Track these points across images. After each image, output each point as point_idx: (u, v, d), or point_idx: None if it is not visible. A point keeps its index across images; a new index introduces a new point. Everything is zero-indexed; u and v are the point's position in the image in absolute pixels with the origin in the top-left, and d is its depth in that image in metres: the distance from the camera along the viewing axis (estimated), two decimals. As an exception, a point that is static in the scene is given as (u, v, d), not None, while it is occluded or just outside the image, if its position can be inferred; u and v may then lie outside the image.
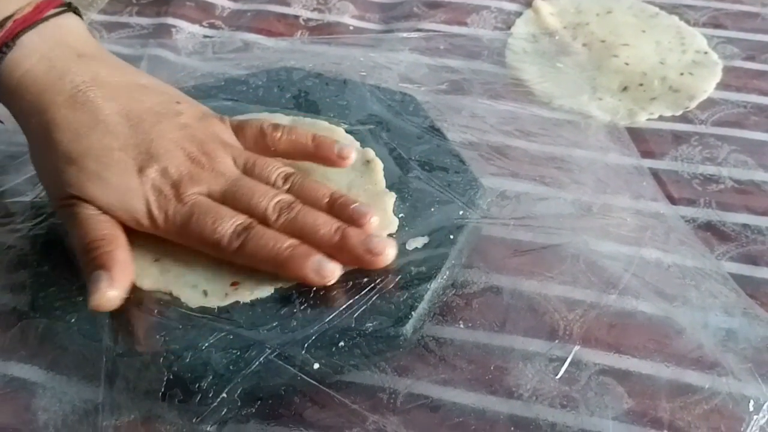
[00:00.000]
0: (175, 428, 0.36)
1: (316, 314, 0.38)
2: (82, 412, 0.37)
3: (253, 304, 0.39)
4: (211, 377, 0.36)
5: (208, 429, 0.36)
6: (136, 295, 0.39)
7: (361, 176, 0.46)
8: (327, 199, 0.42)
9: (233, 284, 0.40)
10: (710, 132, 0.53)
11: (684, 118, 0.54)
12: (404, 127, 0.50)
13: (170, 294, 0.40)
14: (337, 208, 0.42)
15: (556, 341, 0.39)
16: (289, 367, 0.37)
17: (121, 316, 0.39)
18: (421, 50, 0.59)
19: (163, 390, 0.36)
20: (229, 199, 0.41)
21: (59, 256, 0.42)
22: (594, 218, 0.45)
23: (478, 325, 0.40)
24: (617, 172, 0.49)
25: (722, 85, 0.57)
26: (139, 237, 0.41)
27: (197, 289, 0.40)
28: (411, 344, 0.39)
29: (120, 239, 0.40)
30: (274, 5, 0.66)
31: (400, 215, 0.44)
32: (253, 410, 0.37)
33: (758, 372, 0.38)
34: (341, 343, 0.38)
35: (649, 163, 0.51)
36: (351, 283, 0.40)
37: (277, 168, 0.43)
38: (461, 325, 0.40)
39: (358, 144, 0.48)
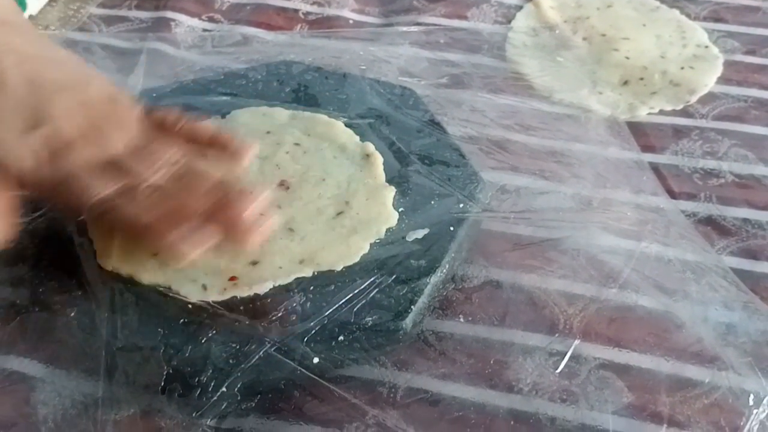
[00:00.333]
0: (174, 422, 0.36)
1: (315, 308, 0.38)
2: (81, 406, 0.37)
3: (253, 298, 0.39)
4: (210, 371, 0.36)
5: (207, 423, 0.36)
6: (135, 289, 0.39)
7: (361, 170, 0.46)
8: (210, 184, 0.41)
9: (231, 279, 0.40)
10: (711, 126, 0.53)
11: (684, 113, 0.54)
12: (404, 121, 0.50)
13: (169, 288, 0.40)
14: (219, 188, 0.40)
15: (556, 335, 0.39)
16: (288, 361, 0.37)
17: (120, 310, 0.38)
18: (421, 44, 0.59)
19: (162, 384, 0.36)
20: (109, 169, 0.40)
21: (58, 250, 0.42)
22: (594, 212, 0.45)
23: (477, 320, 0.40)
24: (617, 167, 0.49)
25: (723, 80, 0.57)
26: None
27: (196, 284, 0.40)
28: (411, 338, 0.39)
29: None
30: (274, -1, 0.66)
31: (400, 209, 0.44)
32: (253, 404, 0.37)
33: (758, 366, 0.38)
34: (341, 337, 0.38)
35: (649, 157, 0.51)
36: (351, 277, 0.40)
37: (167, 150, 0.42)
38: (461, 320, 0.40)
39: (351, 133, 0.48)
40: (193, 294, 0.39)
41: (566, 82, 0.56)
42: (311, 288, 0.39)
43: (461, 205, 0.44)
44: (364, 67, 0.56)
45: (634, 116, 0.54)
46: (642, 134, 0.52)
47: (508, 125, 0.51)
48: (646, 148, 0.51)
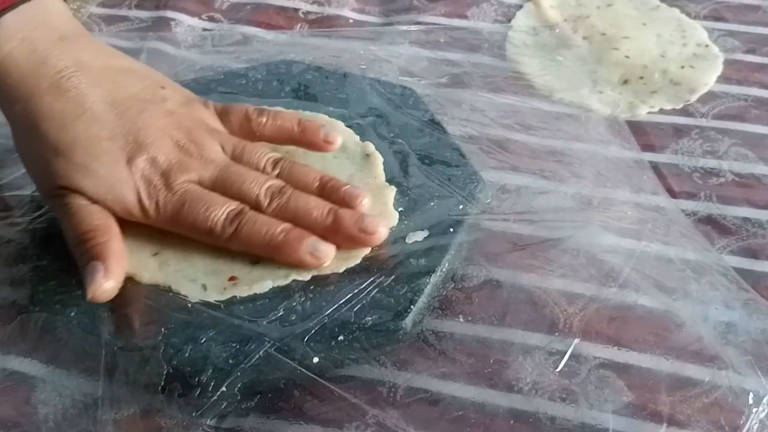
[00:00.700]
0: (174, 422, 0.36)
1: (315, 308, 0.38)
2: (81, 406, 0.37)
3: (253, 297, 0.39)
4: (210, 371, 0.36)
5: (207, 422, 0.36)
6: (135, 289, 0.39)
7: (361, 170, 0.46)
8: (317, 183, 0.42)
9: (231, 279, 0.40)
10: (711, 125, 0.53)
11: (685, 112, 0.54)
12: (404, 121, 0.50)
13: (169, 288, 0.40)
14: (328, 190, 0.42)
15: (556, 334, 0.39)
16: (288, 360, 0.37)
17: (120, 309, 0.39)
18: (421, 43, 0.59)
19: (162, 383, 0.36)
20: (219, 186, 0.41)
21: (59, 250, 0.42)
22: (594, 212, 0.45)
23: (477, 319, 0.40)
24: (617, 166, 0.49)
25: (723, 78, 0.57)
26: (138, 230, 0.41)
27: (196, 283, 0.40)
28: (411, 338, 0.39)
29: (113, 229, 0.39)
30: (274, -2, 0.66)
31: (400, 209, 0.44)
32: (253, 404, 0.37)
33: (758, 365, 0.38)
34: (341, 337, 0.38)
35: (649, 156, 0.51)
36: (351, 276, 0.40)
37: (265, 153, 0.43)
38: (461, 319, 0.40)
39: (352, 132, 0.48)
40: (193, 294, 0.39)
41: (566, 81, 0.56)
42: (311, 287, 0.39)
43: (461, 205, 0.44)
44: (364, 67, 0.56)
45: (634, 115, 0.54)
46: (642, 133, 0.52)
47: (509, 125, 0.51)
48: (647, 147, 0.51)
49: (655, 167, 0.50)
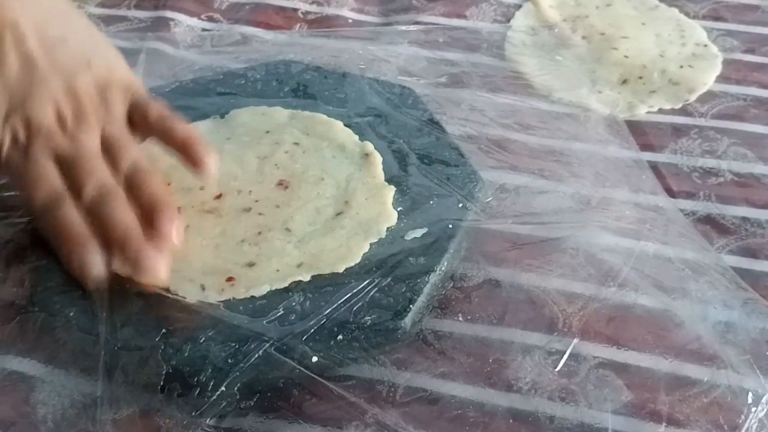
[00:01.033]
0: (174, 422, 0.36)
1: (314, 307, 0.38)
2: (80, 406, 0.37)
3: (252, 297, 0.39)
4: (209, 370, 0.36)
5: (207, 422, 0.36)
6: (133, 289, 0.39)
7: (360, 169, 0.46)
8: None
9: (229, 279, 0.40)
10: (710, 125, 0.53)
11: (683, 111, 0.54)
12: (403, 120, 0.50)
13: (168, 288, 0.40)
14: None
15: (555, 334, 0.39)
16: (287, 360, 0.37)
17: (119, 309, 0.38)
18: (420, 43, 0.59)
19: (161, 383, 0.36)
20: (66, 165, 0.41)
21: (58, 250, 0.42)
22: (593, 211, 0.45)
23: (477, 318, 0.40)
24: (616, 165, 0.49)
25: (722, 78, 0.57)
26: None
27: (195, 283, 0.40)
28: (410, 337, 0.39)
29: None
30: (273, -2, 0.66)
31: (399, 208, 0.44)
32: (252, 403, 0.37)
33: (757, 364, 0.38)
34: (340, 337, 0.38)
35: (648, 156, 0.51)
36: (350, 276, 0.40)
37: (130, 156, 0.42)
38: (460, 318, 0.40)
39: (351, 132, 0.48)
40: (191, 294, 0.39)
41: (565, 80, 0.56)
42: (310, 287, 0.39)
43: (460, 205, 0.44)
44: (363, 67, 0.56)
45: (633, 115, 0.54)
46: (641, 133, 0.52)
47: (508, 124, 0.51)
48: (645, 146, 0.51)
49: (654, 167, 0.50)
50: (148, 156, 0.43)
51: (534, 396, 0.37)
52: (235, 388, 0.36)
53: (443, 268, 0.41)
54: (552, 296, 0.41)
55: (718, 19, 0.63)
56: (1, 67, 0.42)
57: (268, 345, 0.37)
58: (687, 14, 0.63)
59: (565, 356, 0.38)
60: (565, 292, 0.41)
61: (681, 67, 0.57)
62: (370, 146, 0.47)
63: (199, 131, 0.48)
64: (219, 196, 0.45)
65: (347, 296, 0.39)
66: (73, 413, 0.36)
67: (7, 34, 0.42)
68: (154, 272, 0.38)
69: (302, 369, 0.37)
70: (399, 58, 0.57)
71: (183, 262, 0.41)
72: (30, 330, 0.39)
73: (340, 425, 0.36)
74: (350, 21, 0.63)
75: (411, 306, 0.39)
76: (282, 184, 0.45)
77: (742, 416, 0.36)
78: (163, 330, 0.38)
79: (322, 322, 0.38)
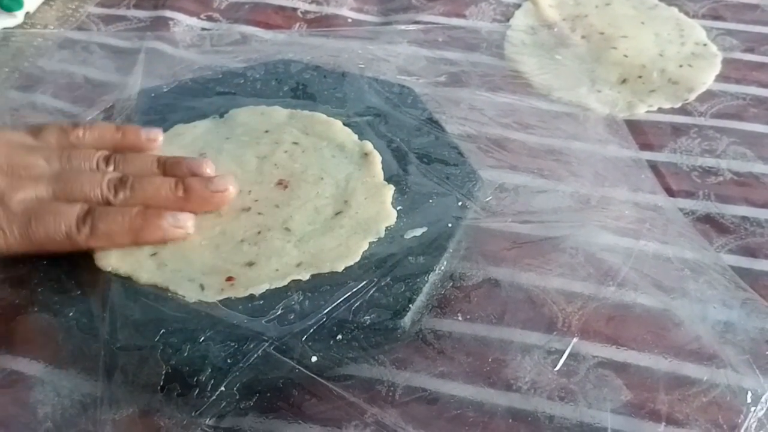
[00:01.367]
0: (173, 421, 0.36)
1: (314, 307, 0.38)
2: (80, 406, 0.37)
3: (251, 296, 0.39)
4: (209, 370, 0.36)
5: (206, 422, 0.36)
6: (133, 289, 0.39)
7: (360, 169, 0.46)
8: (156, 164, 0.43)
9: (228, 279, 0.40)
10: (709, 124, 0.53)
11: (683, 111, 0.54)
12: (403, 120, 0.50)
13: (167, 288, 0.40)
14: (170, 167, 0.43)
15: (555, 333, 0.39)
16: (287, 359, 0.37)
17: (118, 309, 0.38)
18: (420, 42, 0.59)
19: (161, 383, 0.36)
20: (60, 195, 0.40)
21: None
22: (592, 211, 0.45)
23: (476, 318, 0.40)
24: (616, 165, 0.49)
25: (721, 77, 0.57)
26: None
27: (194, 283, 0.40)
28: (409, 337, 0.39)
29: None
30: (272, -3, 0.66)
31: (399, 208, 0.44)
32: (252, 403, 0.37)
33: (756, 364, 0.38)
34: (339, 336, 0.38)
35: (647, 155, 0.51)
36: (349, 275, 0.40)
37: (94, 153, 0.43)
38: (459, 318, 0.40)
39: (350, 131, 0.48)
40: (191, 294, 0.39)
41: (565, 80, 0.56)
42: (309, 287, 0.39)
43: (460, 204, 0.44)
44: (362, 66, 0.56)
45: (632, 114, 0.54)
46: (640, 132, 0.52)
47: (507, 123, 0.51)
48: (645, 146, 0.51)
49: (654, 166, 0.50)
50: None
51: (533, 395, 0.37)
52: (235, 388, 0.36)
53: (442, 268, 0.41)
54: (551, 295, 0.41)
55: (717, 18, 0.63)
56: None
57: (267, 345, 0.37)
58: (686, 13, 0.63)
59: (565, 356, 0.38)
60: (565, 292, 0.41)
61: (680, 66, 0.57)
62: (369, 145, 0.47)
63: (199, 131, 0.48)
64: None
65: (346, 296, 0.39)
66: (73, 413, 0.36)
67: None
68: (230, 191, 0.43)
69: (301, 369, 0.37)
70: (398, 57, 0.57)
71: (182, 261, 0.41)
72: (30, 330, 0.39)
73: (339, 425, 0.36)
74: (349, 20, 0.63)
75: (410, 305, 0.39)
76: (281, 184, 0.45)
77: (742, 416, 0.36)
78: (163, 330, 0.38)
79: (322, 321, 0.38)
